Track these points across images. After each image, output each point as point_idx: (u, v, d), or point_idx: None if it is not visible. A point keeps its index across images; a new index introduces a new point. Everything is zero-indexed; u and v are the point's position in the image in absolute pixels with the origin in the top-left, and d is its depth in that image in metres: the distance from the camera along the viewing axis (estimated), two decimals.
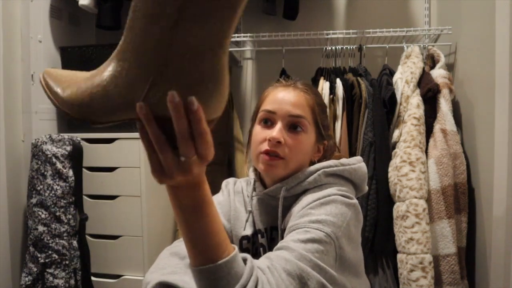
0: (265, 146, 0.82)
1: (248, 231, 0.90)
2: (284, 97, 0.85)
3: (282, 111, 0.84)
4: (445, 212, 1.51)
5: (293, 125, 0.84)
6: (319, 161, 0.90)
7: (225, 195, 0.98)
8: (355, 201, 0.81)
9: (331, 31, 1.84)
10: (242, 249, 0.89)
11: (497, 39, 1.36)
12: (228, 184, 1.00)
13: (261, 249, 0.88)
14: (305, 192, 0.83)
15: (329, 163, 0.85)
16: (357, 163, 0.88)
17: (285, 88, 0.87)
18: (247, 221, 0.89)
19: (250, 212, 0.90)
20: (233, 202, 0.94)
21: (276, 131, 0.82)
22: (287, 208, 0.84)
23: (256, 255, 0.87)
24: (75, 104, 0.49)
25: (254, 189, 0.91)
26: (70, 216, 1.61)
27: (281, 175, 0.84)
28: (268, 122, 0.85)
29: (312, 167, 0.85)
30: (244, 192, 0.95)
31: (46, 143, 1.60)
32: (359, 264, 0.82)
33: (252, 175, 0.94)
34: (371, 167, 1.59)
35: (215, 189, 1.96)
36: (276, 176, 0.85)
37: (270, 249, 0.80)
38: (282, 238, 0.79)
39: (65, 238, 1.58)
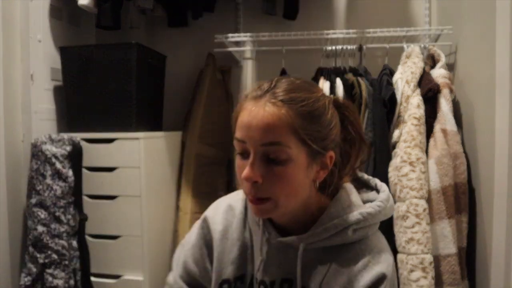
0: (247, 187, 0.68)
1: (232, 273, 0.78)
2: (253, 120, 0.65)
3: (251, 140, 0.66)
4: (445, 212, 1.51)
5: (268, 154, 0.66)
6: (341, 172, 0.75)
7: (202, 236, 0.85)
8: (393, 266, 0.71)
9: (331, 31, 1.83)
10: None
11: (497, 39, 1.36)
12: (210, 220, 0.85)
13: None
14: (329, 249, 0.72)
15: (357, 217, 0.70)
16: (387, 204, 0.74)
17: (257, 102, 0.67)
18: (258, 270, 0.76)
19: (261, 260, 0.75)
20: (218, 242, 0.81)
21: (247, 169, 0.65)
22: (306, 263, 0.73)
23: None
24: None
25: (266, 233, 0.76)
26: (70, 216, 1.60)
27: (277, 215, 0.72)
28: (244, 153, 0.68)
29: (337, 222, 0.69)
30: (238, 223, 0.82)
31: (45, 143, 1.60)
32: None
33: None
34: (371, 167, 1.58)
35: (215, 189, 1.98)
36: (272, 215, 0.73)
37: None
38: None
39: (64, 238, 1.58)
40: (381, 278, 0.68)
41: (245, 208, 0.83)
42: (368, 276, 0.68)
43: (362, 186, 0.81)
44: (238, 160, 0.69)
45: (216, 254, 0.80)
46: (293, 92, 0.68)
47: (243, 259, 0.79)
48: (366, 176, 0.82)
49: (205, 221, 0.85)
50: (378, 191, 0.78)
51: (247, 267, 0.78)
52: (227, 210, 0.84)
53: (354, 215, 0.70)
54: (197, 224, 0.86)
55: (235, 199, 0.86)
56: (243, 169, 0.67)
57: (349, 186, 0.77)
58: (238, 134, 0.68)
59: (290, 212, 0.71)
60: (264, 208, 0.68)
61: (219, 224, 0.82)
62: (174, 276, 0.89)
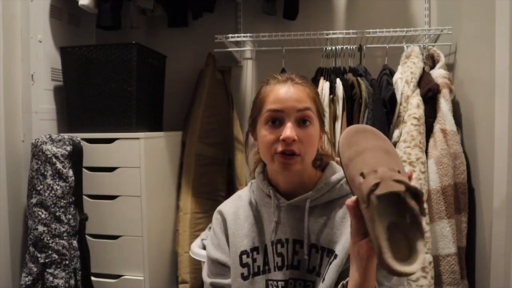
0: (280, 147, 0.83)
1: (248, 245, 0.91)
2: (287, 94, 0.85)
3: (289, 108, 0.84)
4: (445, 212, 1.51)
5: (301, 119, 0.84)
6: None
7: (217, 224, 0.98)
8: None
9: (331, 31, 1.84)
10: (242, 262, 0.91)
11: (497, 39, 1.36)
12: (222, 209, 0.99)
13: (279, 258, 0.88)
14: (330, 202, 0.88)
15: None
16: None
17: (283, 84, 0.87)
18: (273, 231, 0.89)
19: (275, 222, 0.89)
20: (232, 222, 0.95)
21: (289, 129, 0.82)
22: (311, 222, 0.87)
23: (267, 265, 0.89)
24: None
25: (275, 200, 0.90)
26: (70, 216, 1.61)
27: (298, 170, 0.85)
28: (276, 121, 0.85)
29: (334, 178, 0.89)
30: (247, 205, 0.96)
31: (46, 143, 1.60)
32: None
33: (263, 183, 0.93)
34: None
35: (215, 189, 1.98)
36: (293, 172, 0.85)
37: (293, 262, 0.88)
38: (309, 254, 0.86)
39: (65, 238, 1.58)
40: None
41: (251, 192, 0.97)
42: None
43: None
44: (267, 129, 0.85)
45: (231, 232, 0.93)
46: (306, 78, 0.90)
47: (255, 233, 0.92)
48: None
49: (218, 212, 0.99)
50: None
51: (259, 240, 0.92)
52: (235, 198, 1.00)
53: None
54: (213, 218, 1.00)
55: (241, 190, 1.03)
56: (272, 136, 0.84)
57: (333, 163, 0.95)
58: (273, 106, 0.85)
59: (300, 174, 0.87)
60: (293, 161, 0.83)
61: (229, 208, 0.97)
62: (204, 277, 0.99)
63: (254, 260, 0.90)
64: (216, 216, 0.98)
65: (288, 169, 0.84)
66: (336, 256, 0.82)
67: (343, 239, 0.83)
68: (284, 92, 0.85)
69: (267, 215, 0.92)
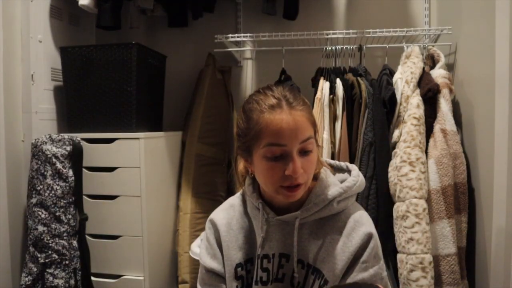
0: (287, 181, 0.79)
1: (243, 257, 0.90)
2: (288, 125, 0.78)
3: (293, 141, 0.78)
4: (445, 212, 1.51)
5: (304, 148, 0.80)
6: None
7: (210, 234, 0.96)
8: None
9: (331, 31, 1.84)
10: (237, 275, 0.90)
11: (497, 39, 1.36)
12: (215, 219, 0.97)
13: (265, 273, 0.87)
14: (320, 220, 0.86)
15: (339, 191, 0.85)
16: (358, 178, 0.89)
17: (280, 110, 0.79)
18: (260, 246, 0.88)
19: (262, 238, 0.87)
20: (225, 233, 0.93)
21: (295, 165, 0.78)
22: (301, 238, 0.86)
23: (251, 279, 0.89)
24: None
25: (264, 214, 0.88)
26: (70, 216, 1.61)
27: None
28: (278, 155, 0.80)
29: (324, 197, 0.85)
30: (240, 215, 0.95)
31: (46, 143, 1.60)
32: None
33: (252, 196, 0.91)
34: (371, 167, 1.59)
35: (215, 189, 1.97)
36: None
37: (277, 275, 0.87)
38: (294, 268, 0.84)
39: (65, 238, 1.58)
40: (369, 237, 0.83)
41: (243, 202, 0.96)
42: (357, 237, 0.83)
43: (337, 170, 0.97)
44: (268, 163, 0.80)
45: (225, 244, 0.92)
46: (300, 99, 0.83)
47: (249, 245, 0.91)
48: (338, 162, 0.98)
49: (210, 221, 0.97)
50: (350, 172, 0.93)
51: (252, 251, 0.90)
52: (227, 207, 0.97)
53: (336, 190, 0.86)
54: (206, 227, 0.98)
55: (233, 198, 1.00)
56: (277, 169, 0.79)
57: (326, 171, 0.92)
58: (275, 140, 0.78)
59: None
60: (298, 192, 0.81)
61: (222, 219, 0.95)
62: (197, 285, 0.98)
63: (248, 272, 0.90)
64: (209, 226, 0.97)
65: (293, 199, 0.82)
66: (326, 281, 0.82)
67: (331, 262, 0.82)
68: (285, 123, 0.78)
69: (256, 227, 0.90)
